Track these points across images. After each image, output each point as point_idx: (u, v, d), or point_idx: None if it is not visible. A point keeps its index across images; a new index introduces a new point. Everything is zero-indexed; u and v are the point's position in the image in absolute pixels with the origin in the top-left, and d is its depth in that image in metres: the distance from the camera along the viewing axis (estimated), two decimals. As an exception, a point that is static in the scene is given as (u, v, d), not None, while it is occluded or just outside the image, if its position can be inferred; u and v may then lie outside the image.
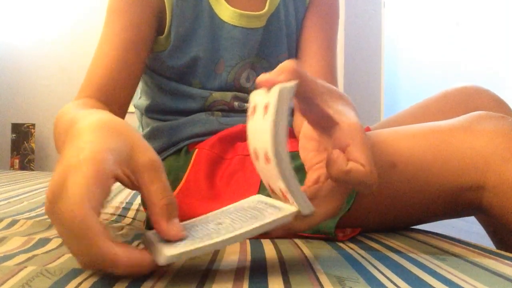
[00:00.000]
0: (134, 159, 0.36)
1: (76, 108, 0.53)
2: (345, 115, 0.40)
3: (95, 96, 0.61)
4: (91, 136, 0.36)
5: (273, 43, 0.73)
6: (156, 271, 0.38)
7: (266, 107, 0.36)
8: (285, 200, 0.38)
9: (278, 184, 0.37)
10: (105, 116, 0.40)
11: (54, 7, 2.48)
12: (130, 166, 0.36)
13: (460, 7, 3.34)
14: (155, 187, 0.36)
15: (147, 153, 0.37)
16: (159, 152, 0.70)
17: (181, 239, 0.36)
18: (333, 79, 0.73)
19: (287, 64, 0.37)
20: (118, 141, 0.36)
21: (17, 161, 2.37)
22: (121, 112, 0.64)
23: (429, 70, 3.28)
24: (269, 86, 0.36)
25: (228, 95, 0.70)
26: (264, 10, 0.70)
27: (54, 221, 0.33)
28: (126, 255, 0.32)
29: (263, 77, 0.37)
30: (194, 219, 0.42)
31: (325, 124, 0.40)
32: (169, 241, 0.36)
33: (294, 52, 0.77)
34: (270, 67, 0.73)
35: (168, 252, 0.33)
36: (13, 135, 2.38)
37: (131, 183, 0.36)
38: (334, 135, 0.39)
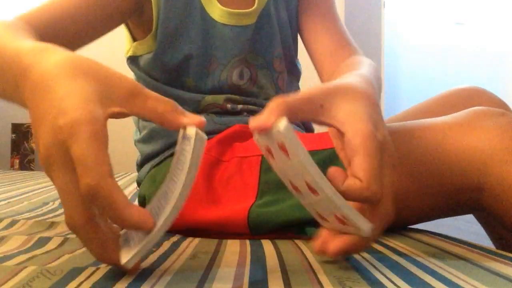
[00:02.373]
0: (116, 94, 0.35)
1: (12, 33, 0.48)
2: (349, 122, 0.38)
3: (36, 28, 0.56)
4: (65, 85, 0.34)
5: (266, 39, 0.73)
6: (156, 271, 0.38)
7: (283, 148, 0.35)
8: (344, 225, 0.38)
9: (333, 212, 0.37)
10: (63, 55, 0.37)
11: (54, 7, 2.48)
12: (115, 102, 0.35)
13: (460, 7, 3.34)
14: (150, 104, 0.36)
15: (123, 83, 0.35)
16: (157, 154, 0.70)
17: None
18: (350, 48, 0.72)
19: (274, 103, 0.36)
20: (92, 83, 0.34)
21: (17, 161, 2.37)
22: None
23: (429, 70, 3.28)
24: (264, 131, 0.35)
25: (221, 98, 0.70)
26: (254, 7, 0.70)
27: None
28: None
29: (255, 122, 0.36)
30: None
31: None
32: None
33: (288, 46, 0.77)
34: (266, 64, 0.73)
35: (123, 259, 0.34)
36: (13, 135, 2.37)
37: (124, 114, 0.36)
38: (345, 146, 0.38)
